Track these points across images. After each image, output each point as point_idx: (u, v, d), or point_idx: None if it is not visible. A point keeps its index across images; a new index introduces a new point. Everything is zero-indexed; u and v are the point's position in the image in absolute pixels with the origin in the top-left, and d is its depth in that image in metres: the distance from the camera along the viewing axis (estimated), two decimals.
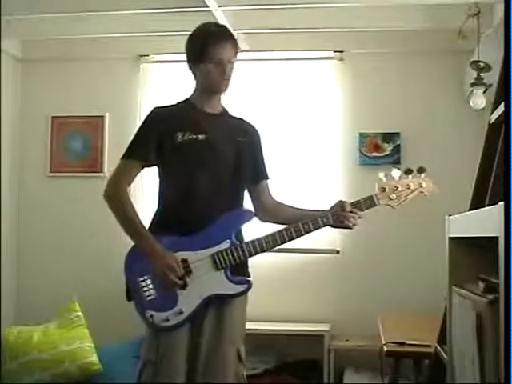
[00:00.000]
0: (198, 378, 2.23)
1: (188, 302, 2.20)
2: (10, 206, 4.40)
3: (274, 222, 2.41)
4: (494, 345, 1.19)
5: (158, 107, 2.39)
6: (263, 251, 2.25)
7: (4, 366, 3.44)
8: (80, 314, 3.71)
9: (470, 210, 1.87)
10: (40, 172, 4.49)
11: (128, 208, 2.24)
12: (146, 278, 2.21)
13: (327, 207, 2.32)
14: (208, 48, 2.25)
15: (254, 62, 4.38)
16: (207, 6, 3.54)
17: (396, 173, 2.31)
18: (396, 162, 4.09)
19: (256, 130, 2.48)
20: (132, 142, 2.32)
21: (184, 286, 2.20)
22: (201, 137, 2.28)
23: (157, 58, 4.42)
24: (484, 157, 1.92)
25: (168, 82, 4.31)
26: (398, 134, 4.16)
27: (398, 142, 4.15)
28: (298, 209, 2.42)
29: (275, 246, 2.26)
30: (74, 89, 4.48)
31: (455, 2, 3.53)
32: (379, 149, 4.17)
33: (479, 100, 3.35)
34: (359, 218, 2.27)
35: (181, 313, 2.19)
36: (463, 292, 1.52)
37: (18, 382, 3.38)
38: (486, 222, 1.30)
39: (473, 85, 3.36)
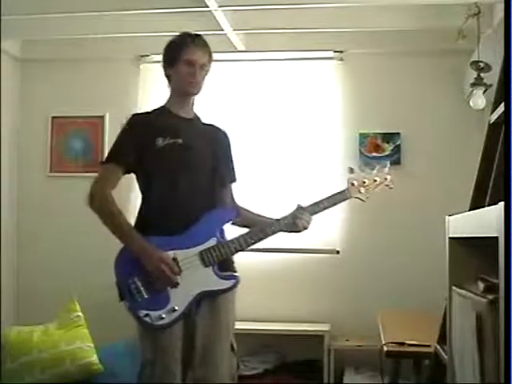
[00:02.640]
0: (196, 372, 2.29)
1: (180, 299, 2.27)
2: (10, 205, 4.40)
3: (234, 224, 2.49)
4: (493, 345, 1.19)
5: (137, 113, 2.52)
6: (248, 246, 2.34)
7: (4, 365, 3.43)
8: (80, 313, 3.71)
9: (469, 210, 1.87)
10: (40, 172, 4.49)
11: (114, 211, 2.31)
12: (136, 278, 2.26)
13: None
14: (182, 50, 2.39)
15: (254, 63, 4.39)
16: (207, 6, 3.54)
17: (362, 169, 2.55)
18: (396, 162, 4.10)
19: (226, 135, 2.59)
20: (113, 147, 2.41)
21: (176, 284, 2.26)
22: (179, 141, 2.37)
23: (157, 58, 4.40)
24: (484, 157, 1.92)
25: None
26: (398, 134, 4.16)
27: (398, 142, 4.15)
28: (254, 214, 2.54)
29: (260, 241, 2.35)
30: (74, 89, 4.48)
31: (455, 2, 3.53)
32: (379, 149, 4.17)
33: (479, 100, 3.35)
34: (310, 220, 2.42)
35: (174, 310, 2.25)
36: (463, 292, 1.52)
37: (18, 382, 3.38)
38: (486, 222, 1.30)
39: (473, 85, 3.36)
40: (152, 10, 3.75)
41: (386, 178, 2.53)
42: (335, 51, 4.25)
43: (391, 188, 2.55)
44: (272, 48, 4.28)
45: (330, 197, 2.46)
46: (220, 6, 3.60)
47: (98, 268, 4.37)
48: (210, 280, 2.30)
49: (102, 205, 2.32)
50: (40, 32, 4.22)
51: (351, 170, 2.53)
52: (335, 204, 2.45)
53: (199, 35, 2.49)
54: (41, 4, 3.75)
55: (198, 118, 2.55)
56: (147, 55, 4.41)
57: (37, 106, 4.52)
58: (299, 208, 2.42)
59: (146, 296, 2.25)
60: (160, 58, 4.35)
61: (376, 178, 2.52)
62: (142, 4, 3.70)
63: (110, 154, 2.40)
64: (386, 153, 4.16)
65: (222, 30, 3.89)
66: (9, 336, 3.55)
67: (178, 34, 2.52)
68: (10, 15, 3.69)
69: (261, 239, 2.35)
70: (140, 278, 2.26)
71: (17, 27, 4.11)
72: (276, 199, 4.04)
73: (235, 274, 2.40)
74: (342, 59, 4.25)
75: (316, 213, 2.43)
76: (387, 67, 4.22)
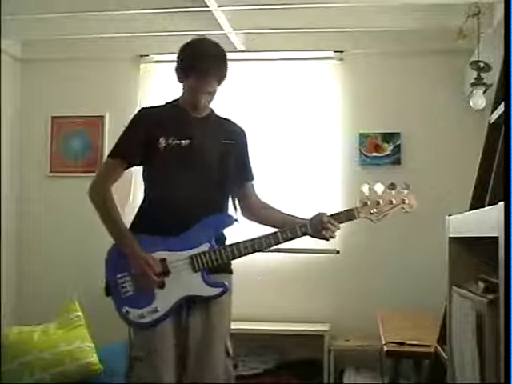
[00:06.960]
0: (190, 375, 2.27)
1: (164, 300, 2.27)
2: (11, 206, 4.40)
3: (259, 223, 2.46)
4: (493, 345, 1.19)
5: (146, 108, 2.46)
6: (241, 256, 2.30)
7: (4, 365, 3.43)
8: (80, 313, 3.71)
9: (469, 210, 1.87)
10: (40, 172, 4.49)
11: (111, 208, 2.32)
12: (124, 274, 2.29)
13: (329, 208, 2.38)
14: (196, 65, 2.29)
15: (254, 63, 4.38)
16: (207, 6, 3.54)
17: (379, 187, 2.33)
18: (396, 162, 4.11)
19: (243, 131, 2.52)
20: (118, 141, 2.38)
21: (162, 286, 2.27)
22: (184, 142, 2.33)
23: (157, 58, 4.42)
24: (484, 157, 1.92)
25: (168, 82, 4.30)
26: (398, 134, 4.16)
27: (398, 142, 4.15)
28: (282, 213, 2.47)
29: (253, 252, 2.30)
30: (74, 89, 4.48)
31: (455, 2, 3.53)
32: (379, 149, 4.17)
33: (479, 100, 3.34)
34: (338, 229, 2.30)
35: (156, 311, 2.26)
36: (463, 292, 1.52)
37: (18, 382, 3.38)
38: (486, 221, 1.30)
39: (473, 85, 3.36)
40: (152, 10, 3.75)
41: (403, 201, 2.32)
42: (335, 51, 4.25)
43: (407, 212, 2.33)
44: (272, 48, 4.28)
45: (336, 214, 2.30)
46: (220, 6, 3.60)
47: (99, 268, 4.38)
48: (195, 285, 2.28)
49: (101, 200, 2.33)
50: (40, 32, 4.22)
51: (367, 187, 2.33)
52: (341, 222, 2.30)
53: (218, 45, 2.40)
54: (41, 4, 3.75)
55: (214, 114, 2.47)
56: (147, 55, 4.41)
57: (37, 105, 4.52)
58: (323, 216, 2.28)
59: (131, 293, 2.28)
60: (160, 57, 4.43)
61: (392, 199, 2.31)
62: (141, 4, 3.70)
63: (114, 149, 2.37)
64: (386, 153, 4.16)
65: (222, 29, 3.89)
66: (9, 336, 3.55)
67: (197, 39, 2.40)
68: (10, 15, 3.69)
69: (253, 251, 2.28)
70: (128, 275, 2.28)
71: (17, 27, 4.11)
72: (275, 200, 4.03)
73: (225, 282, 2.33)
74: (341, 59, 4.25)
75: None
76: (387, 67, 4.22)
